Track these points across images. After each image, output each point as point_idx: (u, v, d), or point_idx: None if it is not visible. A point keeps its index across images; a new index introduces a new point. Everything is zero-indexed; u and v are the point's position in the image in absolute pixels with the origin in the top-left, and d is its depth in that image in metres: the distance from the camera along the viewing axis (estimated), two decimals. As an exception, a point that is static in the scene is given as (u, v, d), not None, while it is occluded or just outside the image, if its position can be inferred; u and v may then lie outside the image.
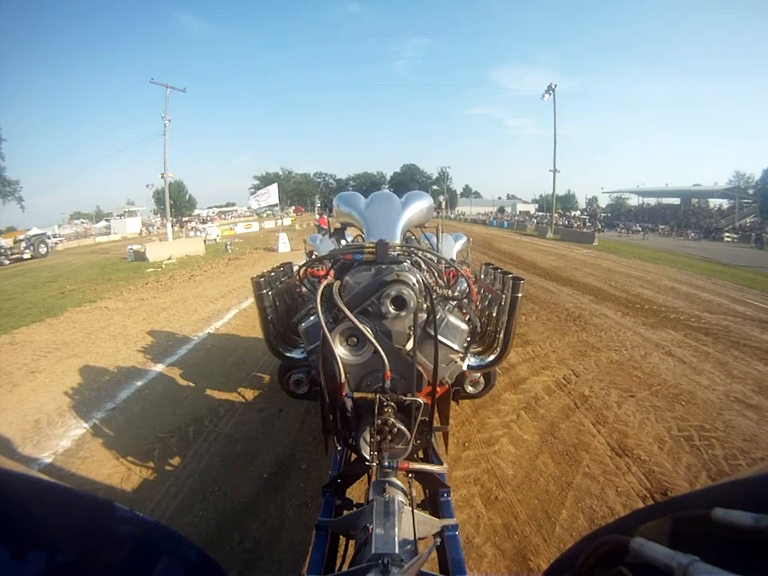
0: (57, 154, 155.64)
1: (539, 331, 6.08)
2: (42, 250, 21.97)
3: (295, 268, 2.47)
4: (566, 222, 49.07)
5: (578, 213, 67.91)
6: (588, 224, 46.81)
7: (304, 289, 2.53)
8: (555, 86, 31.06)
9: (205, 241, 21.03)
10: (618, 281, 10.45)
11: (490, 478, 2.77)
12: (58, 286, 11.27)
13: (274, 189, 19.57)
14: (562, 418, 3.54)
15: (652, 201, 63.78)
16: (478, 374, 2.13)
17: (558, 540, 2.26)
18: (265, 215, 50.38)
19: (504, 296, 1.86)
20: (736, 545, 0.43)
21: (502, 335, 1.91)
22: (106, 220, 54.44)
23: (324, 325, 1.34)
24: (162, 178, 22.89)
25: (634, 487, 2.70)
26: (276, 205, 21.52)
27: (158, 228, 48.55)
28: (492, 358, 1.98)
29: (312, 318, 1.74)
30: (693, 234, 37.47)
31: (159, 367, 4.86)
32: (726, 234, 36.39)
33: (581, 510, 2.49)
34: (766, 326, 6.63)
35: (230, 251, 18.33)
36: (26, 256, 20.53)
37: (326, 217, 17.64)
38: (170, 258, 15.74)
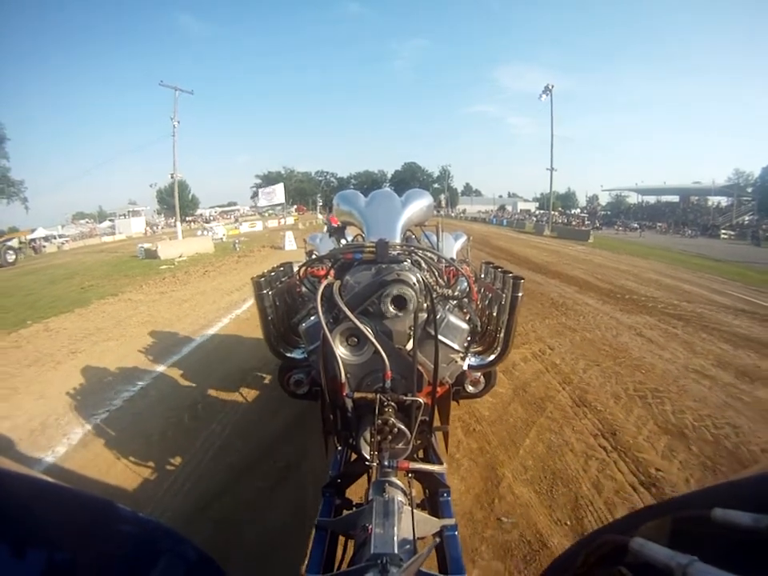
0: (58, 154, 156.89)
1: (522, 315, 6.44)
2: (10, 257, 19.78)
3: (295, 268, 2.45)
4: (566, 220, 49.46)
5: (578, 211, 68.17)
6: (587, 222, 47.19)
7: (304, 289, 2.50)
8: (552, 86, 31.72)
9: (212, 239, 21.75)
10: (605, 274, 10.96)
11: (470, 417, 3.44)
12: (76, 282, 11.90)
13: (279, 188, 20.32)
14: (533, 379, 4.21)
15: (651, 199, 64.03)
16: (479, 374, 2.11)
17: (520, 459, 2.93)
18: (267, 214, 51.09)
19: (504, 295, 1.87)
20: (735, 545, 0.43)
21: (502, 334, 1.92)
22: (110, 220, 54.59)
23: (324, 325, 1.34)
24: (172, 177, 23.59)
25: (587, 428, 3.34)
26: (281, 204, 22.20)
27: (161, 228, 49.17)
28: (492, 357, 2.00)
29: (312, 318, 1.73)
30: (690, 232, 37.66)
31: (192, 345, 5.55)
32: (723, 231, 36.53)
33: (541, 440, 3.16)
34: (740, 313, 7.01)
35: (238, 249, 18.96)
36: None
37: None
38: (180, 256, 16.39)
